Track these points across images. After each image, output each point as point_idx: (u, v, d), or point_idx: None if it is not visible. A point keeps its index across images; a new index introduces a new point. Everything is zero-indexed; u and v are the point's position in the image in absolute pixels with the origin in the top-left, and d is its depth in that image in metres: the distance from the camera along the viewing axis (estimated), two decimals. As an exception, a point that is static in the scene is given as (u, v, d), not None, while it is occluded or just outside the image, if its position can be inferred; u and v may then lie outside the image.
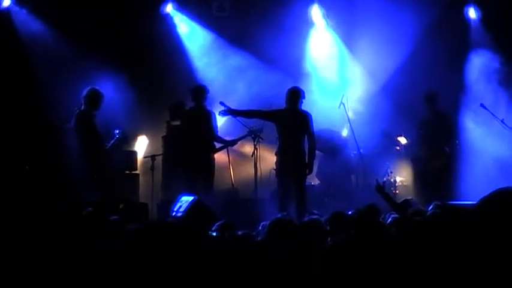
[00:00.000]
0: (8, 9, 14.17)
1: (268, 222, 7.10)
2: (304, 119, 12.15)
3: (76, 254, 4.78)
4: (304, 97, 12.30)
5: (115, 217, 7.22)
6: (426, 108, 13.47)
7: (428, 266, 5.21)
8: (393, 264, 5.35)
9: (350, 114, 14.37)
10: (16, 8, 14.23)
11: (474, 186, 12.87)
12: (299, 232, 6.93)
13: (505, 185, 5.14)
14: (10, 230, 6.15)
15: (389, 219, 7.73)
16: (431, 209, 8.04)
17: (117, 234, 6.35)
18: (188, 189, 11.55)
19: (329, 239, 6.98)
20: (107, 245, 4.97)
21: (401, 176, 14.72)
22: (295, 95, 12.23)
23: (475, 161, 14.08)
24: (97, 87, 12.29)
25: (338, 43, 15.65)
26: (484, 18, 15.29)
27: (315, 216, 7.53)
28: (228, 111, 12.53)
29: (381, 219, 7.86)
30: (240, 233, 7.25)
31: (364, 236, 5.94)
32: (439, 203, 8.47)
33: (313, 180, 14.17)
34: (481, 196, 5.03)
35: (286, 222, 7.17)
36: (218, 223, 7.79)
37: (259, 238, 7.03)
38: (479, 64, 14.92)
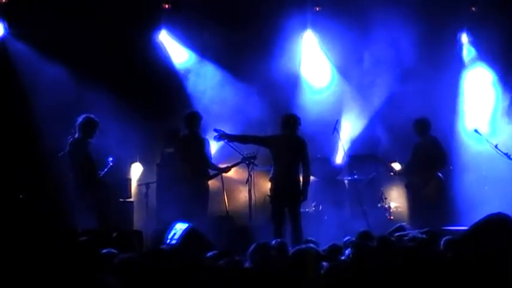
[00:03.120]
0: (2, 38, 14.19)
1: (250, 249, 7.15)
2: (300, 145, 12.15)
3: (72, 285, 4.77)
4: (300, 123, 12.30)
5: (107, 250, 7.19)
6: (418, 135, 13.47)
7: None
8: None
9: (343, 140, 14.40)
10: (10, 37, 14.25)
11: (469, 210, 12.91)
12: (292, 258, 6.94)
13: (499, 210, 5.16)
14: (4, 259, 6.14)
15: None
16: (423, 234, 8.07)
17: (111, 264, 6.34)
18: (182, 217, 11.53)
19: (324, 264, 6.98)
20: (102, 276, 4.96)
21: (396, 202, 14.74)
22: (291, 121, 12.23)
23: (470, 186, 14.14)
24: (91, 115, 12.29)
25: (331, 67, 15.69)
26: (477, 42, 15.39)
27: (310, 245, 7.54)
28: (222, 136, 12.51)
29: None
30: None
31: (359, 262, 5.96)
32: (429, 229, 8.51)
33: (308, 207, 14.16)
34: (473, 221, 5.06)
35: (265, 246, 7.21)
36: (213, 252, 7.79)
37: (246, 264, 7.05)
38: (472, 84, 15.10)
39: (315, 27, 15.40)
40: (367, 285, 5.80)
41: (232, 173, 14.17)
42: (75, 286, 4.89)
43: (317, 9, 15.24)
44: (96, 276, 4.92)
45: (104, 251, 7.22)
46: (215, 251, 8.01)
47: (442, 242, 7.71)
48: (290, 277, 6.33)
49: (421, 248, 6.56)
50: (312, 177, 13.14)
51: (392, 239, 7.89)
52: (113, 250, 7.23)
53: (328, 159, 14.90)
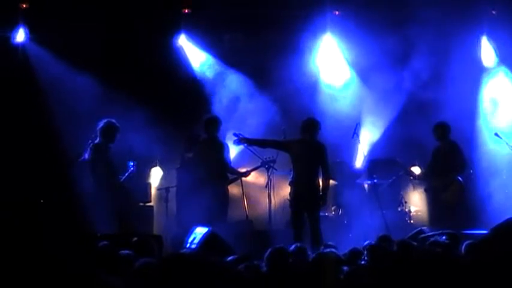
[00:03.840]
0: (23, 44, 14.28)
1: (266, 253, 7.15)
2: (319, 150, 12.13)
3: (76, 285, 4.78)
4: (320, 128, 12.28)
5: (126, 252, 7.21)
6: (437, 139, 13.42)
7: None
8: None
9: (363, 144, 14.39)
10: (30, 42, 14.33)
11: (489, 214, 12.87)
12: (312, 263, 6.93)
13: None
14: (25, 263, 6.16)
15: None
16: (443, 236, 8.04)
17: (130, 268, 6.35)
18: (202, 221, 11.55)
19: (345, 268, 6.97)
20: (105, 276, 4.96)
21: (416, 206, 14.70)
22: (311, 126, 12.22)
23: (490, 190, 14.09)
24: (112, 120, 12.32)
25: (351, 71, 15.66)
26: (497, 46, 15.33)
27: (331, 249, 7.53)
28: (242, 140, 12.52)
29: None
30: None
31: (376, 266, 5.94)
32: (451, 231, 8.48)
33: (328, 211, 14.14)
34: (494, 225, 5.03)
35: (282, 250, 7.22)
36: (233, 257, 7.80)
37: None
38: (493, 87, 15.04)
39: (334, 30, 15.37)
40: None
41: (251, 178, 14.17)
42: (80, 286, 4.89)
43: (336, 13, 15.22)
44: (101, 276, 4.92)
45: (123, 252, 7.24)
46: (235, 256, 8.02)
47: (463, 247, 7.68)
48: (310, 282, 6.32)
49: (443, 253, 6.52)
50: (331, 181, 13.13)
51: (414, 243, 7.85)
52: (130, 252, 7.25)
53: (347, 164, 14.87)
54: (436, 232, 9.51)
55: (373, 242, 8.35)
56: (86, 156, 12.23)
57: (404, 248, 7.35)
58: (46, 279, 5.24)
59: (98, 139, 12.21)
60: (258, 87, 15.15)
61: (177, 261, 5.04)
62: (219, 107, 14.81)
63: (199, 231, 10.93)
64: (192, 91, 15.12)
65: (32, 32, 14.28)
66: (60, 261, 5.83)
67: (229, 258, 7.75)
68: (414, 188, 14.62)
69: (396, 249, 7.51)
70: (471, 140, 14.79)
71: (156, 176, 15.26)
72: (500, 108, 15.28)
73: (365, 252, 7.73)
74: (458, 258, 6.82)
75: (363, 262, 7.59)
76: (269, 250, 7.26)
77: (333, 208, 14.38)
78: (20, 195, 12.92)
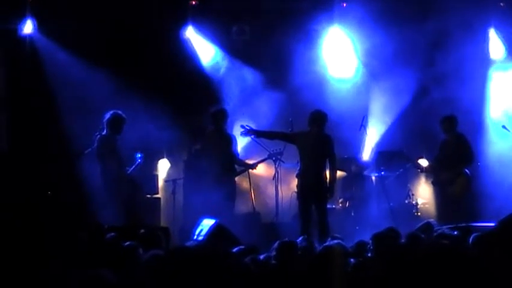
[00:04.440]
0: (30, 35, 14.28)
1: (274, 246, 7.15)
2: (327, 142, 12.14)
3: (99, 280, 4.78)
4: (327, 120, 12.28)
5: (129, 243, 7.21)
6: (444, 131, 13.38)
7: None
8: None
9: (370, 136, 14.39)
10: (38, 34, 14.34)
11: (497, 207, 12.85)
12: (319, 255, 6.92)
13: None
14: (33, 254, 6.18)
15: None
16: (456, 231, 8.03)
17: (136, 260, 6.36)
18: (209, 213, 11.55)
19: (351, 260, 6.97)
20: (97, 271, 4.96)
21: (423, 198, 14.68)
22: (318, 118, 12.22)
23: (497, 182, 14.06)
24: (119, 112, 12.32)
25: (358, 63, 15.61)
26: (505, 38, 15.28)
27: (338, 241, 7.53)
28: (249, 132, 12.54)
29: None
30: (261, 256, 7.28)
31: (383, 259, 5.94)
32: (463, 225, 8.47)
33: (335, 203, 14.14)
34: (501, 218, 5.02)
35: (290, 244, 7.22)
36: (239, 248, 7.81)
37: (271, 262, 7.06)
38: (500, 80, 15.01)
39: (342, 22, 15.32)
40: (394, 282, 5.77)
41: (259, 170, 14.16)
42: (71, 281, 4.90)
43: (344, 5, 15.18)
44: (91, 271, 4.91)
45: (127, 243, 7.24)
46: (241, 247, 8.03)
47: (470, 239, 7.67)
48: (317, 274, 6.32)
49: (450, 245, 6.50)
50: (340, 173, 13.14)
51: (422, 235, 7.84)
52: (136, 244, 7.25)
53: (355, 159, 14.84)
54: (449, 226, 9.50)
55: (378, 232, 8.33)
56: (93, 147, 12.24)
57: (413, 240, 7.34)
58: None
59: (104, 131, 12.23)
60: (265, 80, 15.11)
61: (184, 254, 5.04)
62: (226, 98, 14.80)
63: (206, 223, 10.92)
64: (200, 83, 15.11)
65: (39, 24, 14.26)
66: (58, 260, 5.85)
67: (235, 249, 7.75)
68: (426, 179, 14.58)
69: (405, 241, 7.50)
70: (479, 133, 14.76)
71: (163, 168, 15.26)
72: (507, 101, 15.23)
73: (370, 241, 7.73)
74: (465, 250, 6.81)
75: (369, 254, 7.59)
76: (278, 243, 7.26)
77: (340, 200, 14.38)
78: (28, 187, 12.97)
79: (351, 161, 14.76)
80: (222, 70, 15.30)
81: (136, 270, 5.76)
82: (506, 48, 15.33)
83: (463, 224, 10.28)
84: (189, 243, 8.15)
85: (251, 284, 5.84)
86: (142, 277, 5.20)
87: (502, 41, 15.32)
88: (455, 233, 8.27)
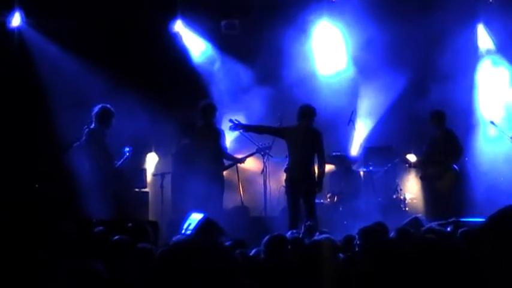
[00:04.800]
0: (18, 28, 14.22)
1: (264, 241, 7.15)
2: (315, 136, 12.15)
3: (88, 275, 4.77)
4: (316, 115, 12.28)
5: (118, 237, 7.20)
6: (434, 126, 13.41)
7: (440, 284, 5.19)
8: (403, 282, 5.34)
9: (359, 131, 14.43)
10: (26, 27, 14.28)
11: (484, 202, 12.90)
12: (308, 250, 6.93)
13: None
14: (20, 248, 6.15)
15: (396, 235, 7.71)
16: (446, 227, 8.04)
17: (127, 255, 6.35)
18: (198, 207, 11.54)
19: (340, 255, 6.98)
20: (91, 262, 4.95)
21: (411, 194, 14.72)
22: (307, 112, 12.22)
23: (485, 177, 14.11)
24: (108, 105, 12.29)
25: (348, 58, 15.63)
26: (493, 34, 15.32)
27: (326, 235, 7.54)
28: (238, 126, 12.54)
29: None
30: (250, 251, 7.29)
31: (371, 253, 5.94)
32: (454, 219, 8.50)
33: (323, 198, 14.16)
34: (490, 213, 5.03)
35: (279, 238, 7.21)
36: (228, 242, 7.81)
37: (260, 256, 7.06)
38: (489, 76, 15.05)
39: (331, 17, 15.34)
40: (382, 277, 5.79)
41: (247, 164, 14.17)
42: (67, 274, 4.88)
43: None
44: (86, 263, 4.90)
45: (117, 237, 7.23)
46: (229, 241, 8.04)
47: (459, 234, 7.70)
48: (306, 268, 6.33)
49: (440, 240, 6.53)
50: (328, 168, 13.16)
51: (411, 230, 7.86)
52: (125, 237, 7.24)
53: (343, 154, 14.86)
54: (438, 222, 9.52)
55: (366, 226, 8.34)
56: (82, 141, 12.21)
57: (403, 235, 7.36)
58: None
59: (93, 124, 12.20)
60: (254, 74, 15.11)
61: (174, 249, 5.05)
62: (215, 93, 14.80)
63: (195, 218, 10.90)
64: (189, 77, 15.10)
65: (27, 17, 14.21)
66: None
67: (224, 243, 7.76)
68: (415, 175, 14.61)
69: (394, 236, 7.51)
70: (467, 128, 14.80)
71: (151, 161, 15.25)
72: (495, 96, 15.27)
73: (357, 236, 7.75)
74: (453, 245, 6.84)
75: (357, 248, 7.60)
76: (267, 237, 7.26)
77: (328, 195, 14.39)
78: (16, 181, 12.92)
79: (340, 156, 14.77)
80: (212, 64, 15.28)
81: (126, 263, 5.75)
82: (495, 44, 15.37)
83: (451, 219, 10.30)
84: (177, 238, 8.15)
85: (241, 278, 5.84)
86: (133, 270, 5.20)
87: (490, 36, 15.36)
88: (443, 228, 8.29)
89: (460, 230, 7.79)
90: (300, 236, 8.46)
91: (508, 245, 4.29)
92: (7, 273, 5.33)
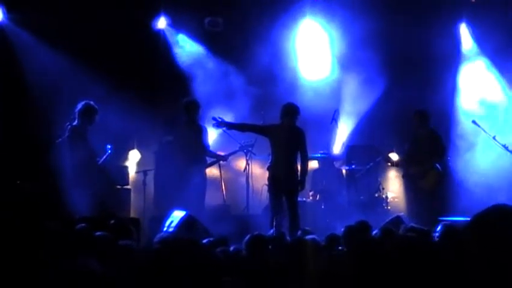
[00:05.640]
0: (0, 23, 14.16)
1: (246, 239, 7.15)
2: (298, 135, 12.15)
3: (70, 273, 4.74)
4: (299, 113, 12.27)
5: (100, 233, 7.18)
6: (416, 125, 13.43)
7: (423, 282, 5.20)
8: (386, 281, 5.35)
9: (341, 130, 14.47)
10: (9, 22, 14.22)
11: (466, 201, 12.96)
12: (290, 248, 6.94)
13: (495, 201, 5.15)
14: (20, 247, 6.12)
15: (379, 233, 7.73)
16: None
17: (108, 251, 6.33)
18: (180, 205, 11.54)
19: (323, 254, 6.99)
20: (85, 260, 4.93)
21: (393, 192, 14.76)
22: (290, 110, 12.21)
23: (467, 177, 14.18)
24: (91, 102, 12.25)
25: (330, 57, 15.64)
26: (475, 33, 15.38)
27: (311, 236, 7.54)
28: (221, 124, 12.51)
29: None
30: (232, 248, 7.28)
31: (354, 252, 5.95)
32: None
33: (306, 196, 14.18)
34: (473, 212, 5.05)
35: (261, 237, 7.22)
36: (208, 239, 7.81)
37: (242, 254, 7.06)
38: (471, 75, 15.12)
39: (314, 14, 15.36)
40: (366, 276, 5.79)
41: (230, 162, 14.18)
42: (58, 270, 4.86)
43: (317, -3, 15.26)
44: (79, 260, 4.88)
45: (99, 234, 7.20)
46: (211, 238, 8.04)
47: (438, 232, 7.71)
48: (287, 267, 6.33)
49: (420, 239, 6.54)
50: (311, 166, 13.19)
51: (394, 229, 7.88)
52: (107, 234, 7.22)
53: (326, 152, 14.89)
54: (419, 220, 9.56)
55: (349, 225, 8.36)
56: (64, 137, 12.16)
57: (386, 234, 7.38)
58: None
59: (76, 121, 12.15)
60: (237, 72, 15.11)
61: (156, 246, 5.03)
62: (198, 90, 14.77)
63: (177, 215, 10.93)
64: (172, 74, 15.06)
65: (8, 12, 14.16)
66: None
67: (205, 240, 7.74)
68: (397, 173, 14.65)
69: (378, 235, 7.53)
70: (449, 127, 14.86)
71: (133, 158, 15.20)
72: (477, 96, 15.34)
73: (342, 234, 7.76)
74: (434, 244, 6.86)
75: (340, 247, 7.61)
76: (248, 237, 7.25)
77: (310, 193, 14.41)
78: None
79: (322, 155, 14.80)
80: (195, 62, 15.26)
81: (108, 260, 5.73)
82: (476, 43, 15.43)
83: (433, 218, 10.35)
84: (159, 235, 8.13)
85: (221, 276, 5.83)
86: (114, 267, 5.18)
87: (472, 36, 15.43)
88: (424, 227, 8.32)
89: (443, 229, 7.81)
90: (282, 234, 8.46)
91: (492, 245, 4.31)
92: (7, 273, 5.31)
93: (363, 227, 8.13)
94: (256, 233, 7.51)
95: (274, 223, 11.42)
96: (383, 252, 5.62)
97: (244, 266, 6.65)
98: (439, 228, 7.58)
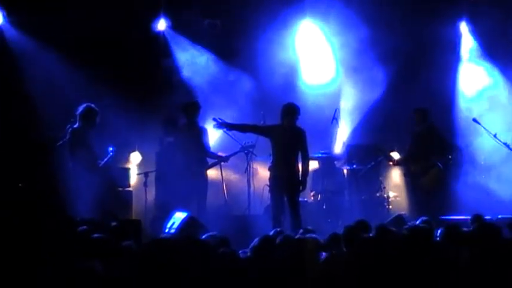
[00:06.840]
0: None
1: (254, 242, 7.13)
2: (299, 135, 12.13)
3: (72, 274, 4.76)
4: (299, 113, 12.25)
5: (98, 235, 7.18)
6: (417, 123, 13.41)
7: (424, 280, 5.21)
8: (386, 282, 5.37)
9: (342, 129, 14.46)
10: (8, 24, 14.23)
11: (467, 200, 12.95)
12: (293, 248, 6.94)
13: (495, 201, 5.17)
14: (3, 247, 6.13)
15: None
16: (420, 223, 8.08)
17: (110, 252, 6.34)
18: (181, 206, 11.54)
19: (323, 254, 6.99)
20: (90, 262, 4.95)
21: (395, 192, 14.75)
22: (291, 110, 12.19)
23: (468, 175, 14.17)
24: (92, 105, 12.25)
25: (330, 57, 15.63)
26: (476, 32, 15.38)
27: (312, 235, 7.54)
28: (222, 124, 12.49)
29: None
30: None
31: (354, 251, 5.96)
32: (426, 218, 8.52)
33: (307, 196, 14.17)
34: (473, 211, 5.06)
35: (270, 239, 7.21)
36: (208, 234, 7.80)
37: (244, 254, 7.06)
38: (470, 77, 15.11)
39: (313, 15, 15.36)
40: (365, 275, 5.80)
41: (231, 163, 14.17)
42: (64, 273, 4.88)
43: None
44: (85, 262, 4.90)
45: (99, 236, 7.20)
46: (213, 239, 8.02)
47: (440, 232, 7.71)
48: (289, 266, 6.33)
49: (418, 238, 6.55)
50: (312, 166, 13.17)
51: (392, 228, 7.87)
52: (107, 236, 7.22)
53: (327, 152, 14.89)
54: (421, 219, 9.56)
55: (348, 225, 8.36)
56: (65, 140, 12.17)
57: (382, 233, 7.37)
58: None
59: (77, 124, 12.16)
60: (237, 73, 15.12)
61: (159, 247, 5.05)
62: (198, 91, 14.79)
63: (178, 216, 10.93)
64: (172, 76, 15.07)
65: (8, 15, 14.17)
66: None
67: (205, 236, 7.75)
68: (399, 172, 14.64)
69: (374, 234, 7.52)
70: (449, 126, 14.85)
71: (135, 160, 15.21)
72: (477, 94, 15.34)
73: (342, 234, 7.76)
74: (436, 243, 6.86)
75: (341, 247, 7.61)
76: (257, 240, 7.20)
77: (312, 193, 14.41)
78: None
79: (323, 154, 14.79)
80: (194, 63, 15.27)
81: (110, 261, 5.75)
82: (476, 42, 15.43)
83: (434, 217, 10.33)
84: (161, 236, 8.15)
85: (225, 276, 5.86)
86: (116, 268, 5.20)
87: (472, 35, 15.42)
88: (426, 226, 8.31)
89: (444, 229, 7.80)
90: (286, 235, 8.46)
91: (495, 251, 4.32)
92: (7, 273, 5.33)
93: (362, 227, 8.13)
94: (265, 235, 7.48)
95: (276, 223, 11.42)
96: (381, 251, 5.63)
97: (248, 265, 6.65)
98: (440, 229, 7.60)
